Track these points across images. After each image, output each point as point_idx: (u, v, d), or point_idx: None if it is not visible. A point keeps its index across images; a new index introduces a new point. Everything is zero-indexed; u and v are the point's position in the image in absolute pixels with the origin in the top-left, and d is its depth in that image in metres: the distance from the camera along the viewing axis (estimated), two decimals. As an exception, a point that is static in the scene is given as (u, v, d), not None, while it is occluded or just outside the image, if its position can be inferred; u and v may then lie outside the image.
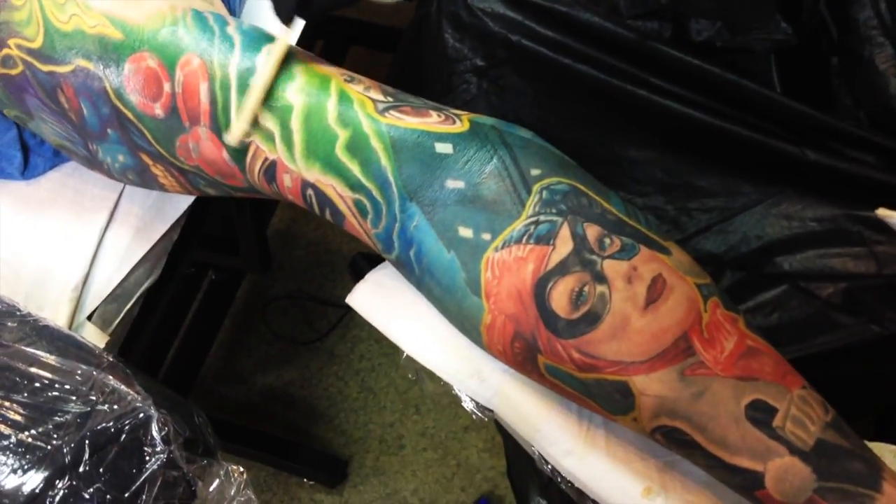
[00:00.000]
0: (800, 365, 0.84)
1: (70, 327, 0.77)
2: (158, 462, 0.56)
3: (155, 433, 0.56)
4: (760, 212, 0.89)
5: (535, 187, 0.65)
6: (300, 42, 1.67)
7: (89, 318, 0.78)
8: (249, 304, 1.85)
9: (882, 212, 0.73)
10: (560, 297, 0.62)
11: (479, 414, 0.73)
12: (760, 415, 0.61)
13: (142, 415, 0.57)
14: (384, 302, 0.78)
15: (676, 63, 0.87)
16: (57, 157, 0.88)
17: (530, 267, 0.63)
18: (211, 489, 0.60)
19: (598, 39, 0.89)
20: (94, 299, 0.79)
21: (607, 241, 0.63)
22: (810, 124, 0.84)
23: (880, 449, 0.71)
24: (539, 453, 0.72)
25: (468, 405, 0.74)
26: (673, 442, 0.64)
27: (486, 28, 0.97)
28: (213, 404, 1.75)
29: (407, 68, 1.14)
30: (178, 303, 1.70)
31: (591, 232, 0.63)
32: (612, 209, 0.65)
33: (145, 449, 0.56)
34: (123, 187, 0.85)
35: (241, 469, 0.62)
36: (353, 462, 1.67)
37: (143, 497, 0.55)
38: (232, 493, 0.60)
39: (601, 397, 0.64)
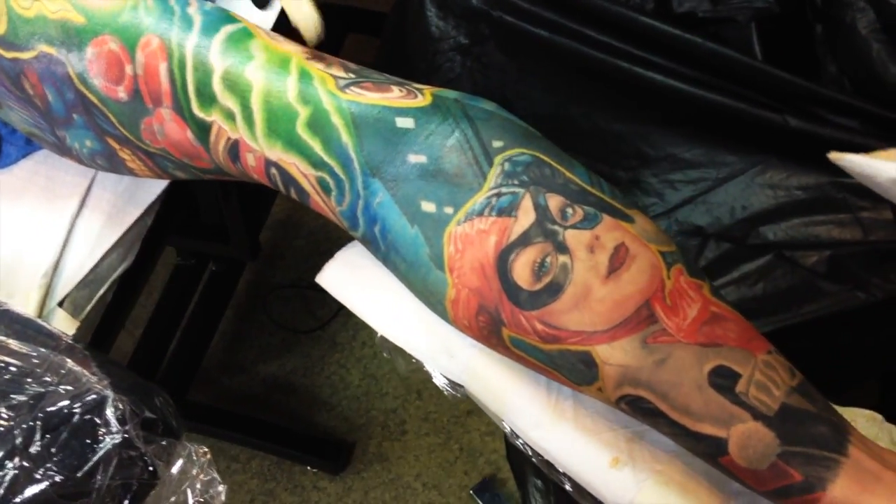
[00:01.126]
0: (786, 335, 0.85)
1: (41, 314, 0.76)
2: (113, 442, 0.55)
3: (110, 414, 0.56)
4: (744, 181, 0.88)
5: (497, 159, 0.64)
6: (298, 32, 1.67)
7: (60, 304, 0.78)
8: (251, 294, 1.85)
9: (833, 155, 0.73)
10: (522, 268, 0.62)
11: (451, 391, 0.73)
12: (723, 381, 0.60)
13: (96, 396, 0.56)
14: (354, 280, 0.78)
15: (659, 34, 0.86)
16: (29, 146, 0.88)
17: (492, 239, 0.62)
18: (173, 469, 0.59)
19: (580, 13, 0.89)
20: (65, 285, 0.78)
21: (570, 210, 0.63)
22: (792, 91, 0.83)
23: (853, 413, 0.70)
24: (510, 428, 0.71)
25: (439, 381, 0.74)
26: (638, 411, 0.63)
27: (468, 5, 0.97)
28: (216, 395, 1.75)
29: (393, 50, 1.14)
30: (179, 294, 1.70)
31: (554, 202, 0.63)
32: (575, 179, 0.65)
33: (99, 430, 0.55)
34: (95, 173, 0.85)
35: (205, 449, 0.62)
36: (356, 448, 1.67)
37: (98, 477, 0.54)
38: (194, 472, 0.59)
39: (566, 368, 0.63)
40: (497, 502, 1.57)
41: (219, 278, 1.72)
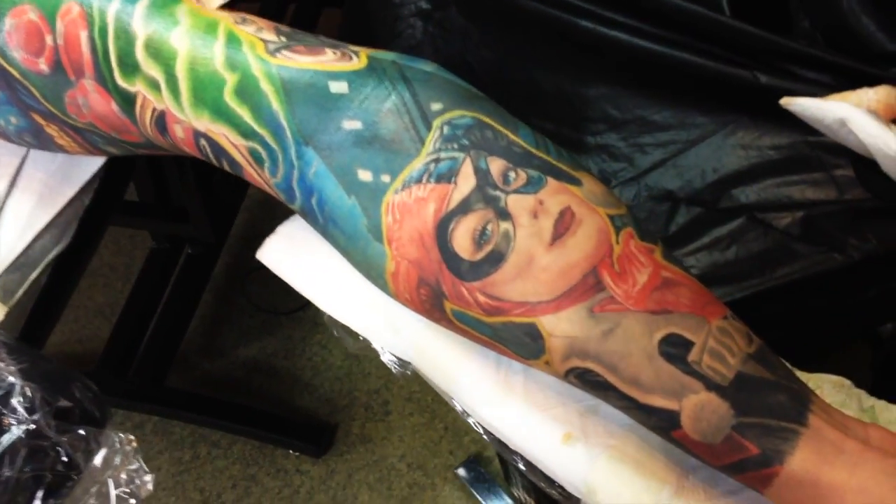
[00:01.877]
0: (760, 300, 0.83)
1: (-32, 299, 0.73)
2: (20, 432, 0.52)
3: (16, 402, 0.52)
4: (716, 143, 0.85)
5: (436, 122, 0.61)
6: (272, 6, 1.64)
7: (-10, 288, 0.75)
8: (229, 277, 1.83)
9: (784, 100, 0.70)
10: (462, 237, 0.58)
11: (400, 368, 0.70)
12: (675, 349, 0.57)
13: (0, 383, 0.53)
14: (295, 255, 0.75)
15: (622, -8, 0.82)
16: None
17: (431, 207, 0.59)
18: (96, 460, 0.56)
19: (541, -27, 0.85)
20: (-7, 269, 0.75)
21: (512, 174, 0.59)
22: (762, 47, 0.80)
23: (819, 380, 0.66)
24: (460, 406, 0.68)
25: (386, 358, 0.71)
26: (587, 384, 0.60)
27: (428, -31, 0.93)
28: (196, 380, 1.73)
29: (355, 19, 1.12)
30: (155, 279, 1.68)
31: (495, 166, 0.59)
32: (519, 141, 0.61)
33: (4, 419, 0.52)
34: (27, 152, 0.81)
35: (131, 437, 0.59)
36: (338, 431, 1.64)
37: (5, 469, 0.51)
38: (118, 462, 0.56)
39: (511, 342, 0.60)
40: (482, 481, 1.54)
41: (195, 261, 1.69)
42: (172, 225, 1.46)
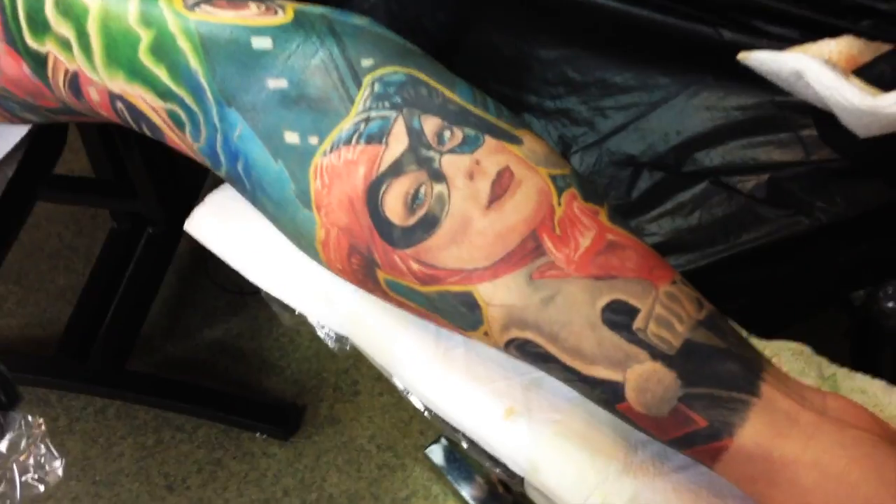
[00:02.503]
0: (725, 266, 0.80)
1: None
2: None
3: None
4: (679, 105, 0.83)
5: (367, 79, 0.58)
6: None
7: None
8: (194, 257, 1.78)
9: (741, 55, 0.68)
10: (394, 201, 0.56)
11: (337, 344, 0.66)
12: (619, 317, 0.54)
13: None
14: (225, 226, 0.72)
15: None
16: None
17: (361, 170, 0.56)
18: (1, 444, 0.52)
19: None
20: None
21: (447, 133, 0.57)
22: (725, 1, 0.77)
23: (777, 347, 0.63)
24: (401, 383, 0.65)
25: (321, 333, 0.67)
26: (528, 356, 0.57)
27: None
28: (160, 362, 1.69)
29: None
30: (116, 260, 1.64)
31: (429, 125, 0.57)
32: (455, 98, 0.59)
33: None
34: (-56, 122, 0.77)
35: (41, 421, 0.55)
36: (306, 412, 1.60)
37: None
38: (23, 445, 0.52)
39: (448, 312, 0.58)
40: (453, 461, 1.51)
41: (157, 241, 1.65)
42: (125, 202, 1.41)
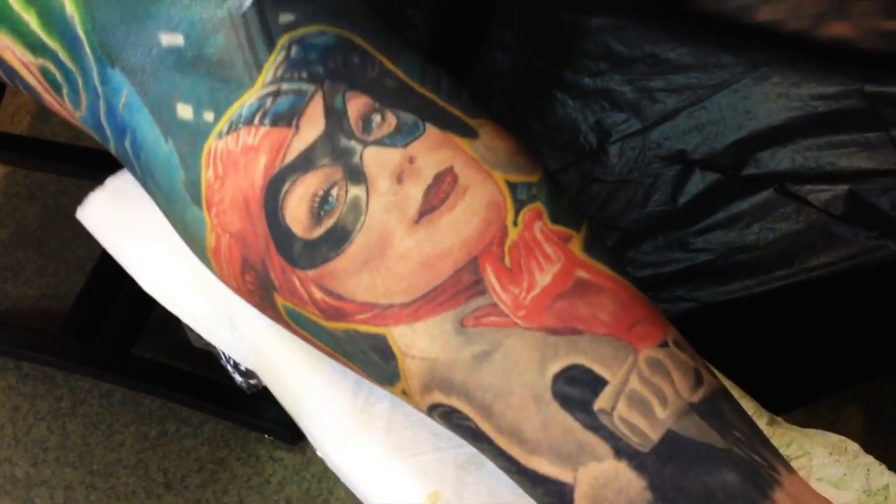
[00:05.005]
0: (785, 297, 0.69)
1: None
2: None
3: None
4: (744, 90, 0.73)
5: (282, 41, 0.46)
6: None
7: None
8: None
9: None
10: (297, 205, 0.44)
11: (242, 379, 0.53)
12: (576, 390, 0.41)
13: None
14: (120, 217, 0.61)
15: None
16: None
17: (262, 161, 0.45)
18: None
19: None
20: None
21: (376, 118, 0.45)
22: None
23: (809, 442, 0.47)
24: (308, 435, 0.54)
25: (228, 365, 0.54)
26: (456, 429, 0.44)
27: None
28: (168, 348, 1.59)
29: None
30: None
31: (356, 105, 0.45)
32: (396, 72, 0.46)
33: None
34: None
35: None
36: (320, 416, 1.48)
37: None
38: None
39: (358, 358, 0.45)
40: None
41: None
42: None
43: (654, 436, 0.40)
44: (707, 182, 0.72)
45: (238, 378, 0.57)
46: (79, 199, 1.63)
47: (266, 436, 1.49)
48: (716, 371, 0.50)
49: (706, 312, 0.71)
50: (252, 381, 0.58)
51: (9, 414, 1.54)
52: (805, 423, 0.51)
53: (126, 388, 1.54)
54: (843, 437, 0.47)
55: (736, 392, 0.53)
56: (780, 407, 0.74)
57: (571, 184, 0.75)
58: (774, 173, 0.70)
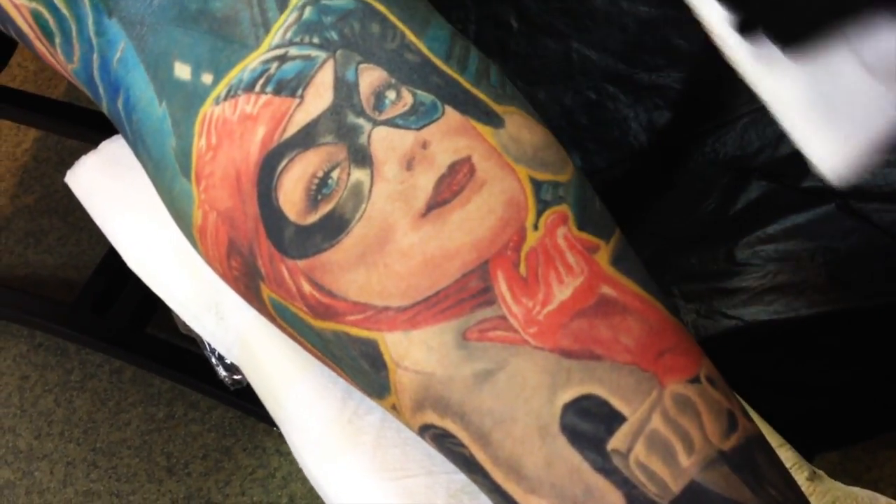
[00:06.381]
0: (838, 322, 0.64)
1: None
2: None
3: None
4: None
5: (296, 0, 0.41)
6: None
7: None
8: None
9: None
10: (293, 185, 0.40)
11: (226, 374, 0.50)
12: (588, 425, 0.36)
13: None
14: (111, 186, 0.57)
15: None
16: None
17: (259, 132, 0.40)
18: None
19: None
20: None
21: (391, 94, 0.40)
22: None
23: (855, 500, 0.41)
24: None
25: (211, 357, 0.51)
26: (449, 455, 0.40)
27: None
28: (177, 329, 1.54)
29: None
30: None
31: (369, 78, 0.40)
32: (419, 46, 0.41)
33: None
34: None
35: None
36: (333, 414, 1.44)
37: None
38: None
39: (346, 364, 0.41)
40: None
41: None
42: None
43: (675, 486, 0.35)
44: (762, 191, 0.68)
45: (222, 372, 0.53)
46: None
47: (274, 428, 1.43)
48: (752, 411, 0.45)
49: (747, 332, 0.66)
50: (237, 377, 0.54)
51: (17, 383, 1.51)
52: (840, 465, 0.45)
53: (136, 366, 1.51)
54: (882, 498, 0.42)
55: (774, 440, 0.47)
56: (817, 447, 0.69)
57: (616, 184, 0.70)
58: (838, 189, 0.65)
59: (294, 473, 1.42)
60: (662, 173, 0.71)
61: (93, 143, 1.77)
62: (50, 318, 1.48)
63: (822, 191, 0.65)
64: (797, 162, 0.66)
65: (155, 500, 1.41)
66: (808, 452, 0.70)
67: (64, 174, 1.69)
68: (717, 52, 0.71)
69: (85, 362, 1.52)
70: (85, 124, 1.58)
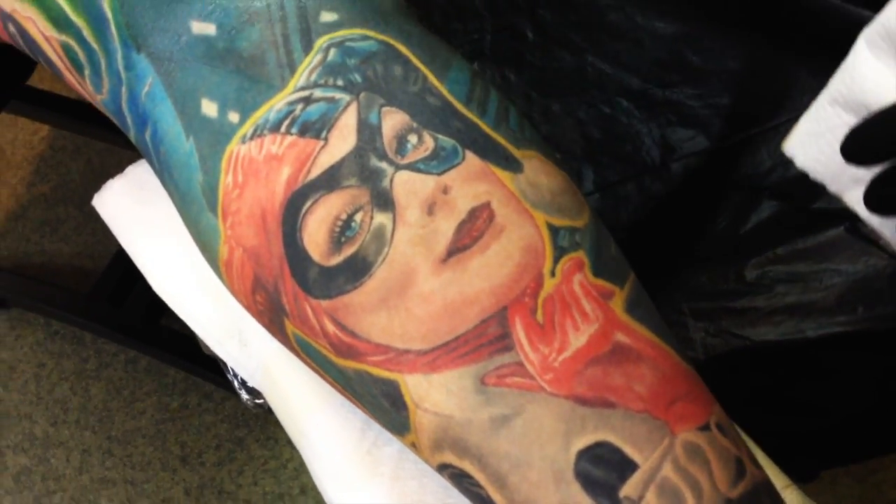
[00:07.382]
0: (842, 344, 0.63)
1: None
2: None
3: None
4: None
5: (321, 41, 0.42)
6: None
7: None
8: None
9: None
10: (317, 227, 0.40)
11: (249, 398, 0.51)
12: (601, 472, 0.37)
13: None
14: (137, 210, 0.58)
15: None
16: None
17: (284, 173, 0.41)
18: None
19: None
20: None
21: (412, 139, 0.41)
22: None
23: None
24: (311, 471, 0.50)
25: (234, 381, 0.52)
26: (466, 494, 0.40)
27: None
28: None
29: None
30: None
31: (392, 122, 0.41)
32: (440, 89, 0.42)
33: None
34: None
35: None
36: (345, 406, 1.45)
37: None
38: None
39: (368, 401, 0.41)
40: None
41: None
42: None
43: None
44: (772, 211, 0.67)
45: (244, 395, 0.54)
46: (124, 159, 1.61)
47: (287, 421, 1.46)
48: (758, 451, 0.46)
49: (753, 352, 0.66)
50: (259, 401, 0.54)
51: (34, 370, 1.52)
52: (845, 467, 0.46)
53: (150, 356, 1.51)
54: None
55: (779, 482, 0.48)
56: (824, 463, 0.69)
57: (628, 199, 0.70)
58: (847, 210, 0.60)
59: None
60: (674, 189, 0.71)
61: (110, 143, 1.75)
62: (66, 308, 1.49)
63: (832, 213, 0.65)
64: (809, 184, 0.66)
65: (169, 488, 1.42)
66: (814, 468, 0.71)
67: (80, 163, 1.70)
68: (730, 69, 0.71)
69: (100, 351, 1.53)
70: (97, 123, 1.58)
